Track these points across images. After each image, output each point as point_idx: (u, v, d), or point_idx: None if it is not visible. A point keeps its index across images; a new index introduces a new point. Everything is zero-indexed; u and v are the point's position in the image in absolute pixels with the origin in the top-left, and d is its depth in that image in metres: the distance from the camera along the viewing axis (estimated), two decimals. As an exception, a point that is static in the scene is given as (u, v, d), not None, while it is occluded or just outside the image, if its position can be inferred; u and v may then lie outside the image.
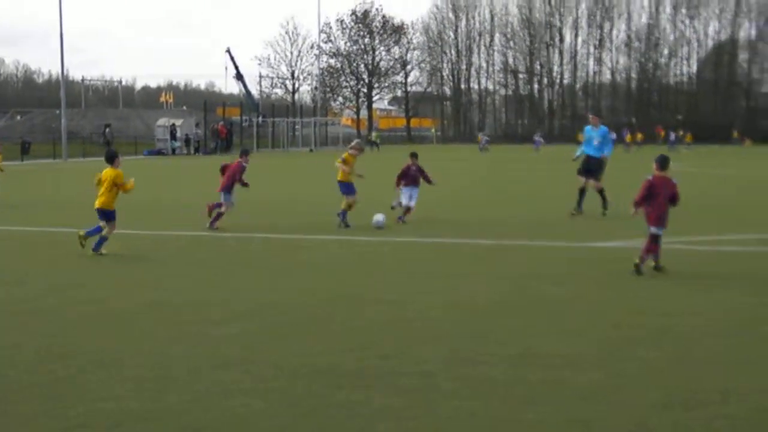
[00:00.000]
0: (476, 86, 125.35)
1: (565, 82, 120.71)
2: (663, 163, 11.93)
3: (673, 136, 77.16)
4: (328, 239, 15.84)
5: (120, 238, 14.80)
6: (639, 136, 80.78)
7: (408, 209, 18.26)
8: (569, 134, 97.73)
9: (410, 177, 18.41)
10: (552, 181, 33.24)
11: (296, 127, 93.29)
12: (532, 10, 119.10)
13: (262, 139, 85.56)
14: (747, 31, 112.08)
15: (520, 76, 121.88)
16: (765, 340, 8.24)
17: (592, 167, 19.56)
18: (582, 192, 19.57)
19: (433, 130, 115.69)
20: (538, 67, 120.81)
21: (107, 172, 14.20)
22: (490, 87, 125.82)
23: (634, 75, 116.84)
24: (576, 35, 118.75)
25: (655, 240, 11.67)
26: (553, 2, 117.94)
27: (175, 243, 15.72)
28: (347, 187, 17.69)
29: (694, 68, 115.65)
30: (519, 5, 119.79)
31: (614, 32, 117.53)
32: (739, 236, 15.51)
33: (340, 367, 7.30)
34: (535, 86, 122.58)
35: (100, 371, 7.27)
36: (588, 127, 20.10)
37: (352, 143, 18.98)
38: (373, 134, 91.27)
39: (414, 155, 18.72)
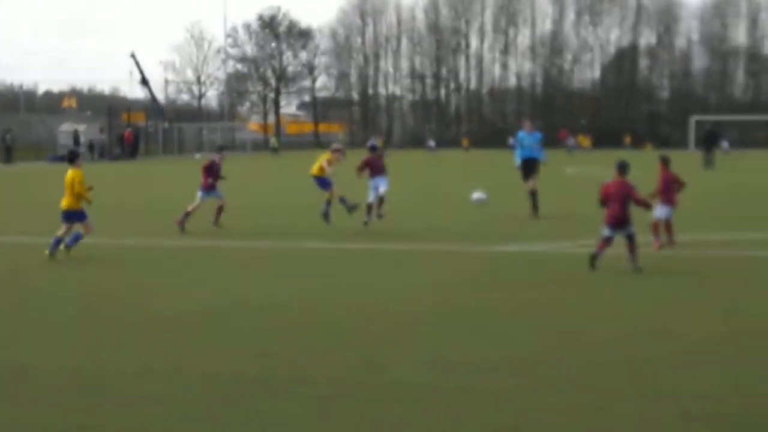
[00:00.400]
0: (384, 91, 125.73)
1: (472, 87, 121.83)
2: (621, 168, 12.60)
3: (571, 140, 78.27)
4: (238, 245, 15.61)
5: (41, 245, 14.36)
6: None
7: (381, 200, 18.02)
8: (475, 139, 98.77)
9: (376, 167, 18.18)
10: (469, 186, 33.34)
11: (203, 132, 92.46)
12: (438, 15, 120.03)
13: (168, 145, 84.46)
14: (647, 38, 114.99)
15: (427, 81, 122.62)
16: (695, 344, 8.23)
17: (531, 168, 20.32)
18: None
19: (339, 136, 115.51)
20: (445, 72, 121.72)
21: (70, 174, 13.96)
22: (398, 92, 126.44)
23: (539, 80, 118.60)
24: (482, 41, 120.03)
25: (606, 240, 12.29)
26: (458, 8, 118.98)
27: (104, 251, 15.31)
28: (323, 182, 17.88)
29: (598, 74, 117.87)
30: (425, 10, 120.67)
31: (519, 38, 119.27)
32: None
33: (247, 374, 7.15)
34: (442, 91, 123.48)
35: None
36: (522, 133, 20.83)
37: (334, 145, 19.10)
38: (272, 140, 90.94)
39: (373, 148, 18.57)
